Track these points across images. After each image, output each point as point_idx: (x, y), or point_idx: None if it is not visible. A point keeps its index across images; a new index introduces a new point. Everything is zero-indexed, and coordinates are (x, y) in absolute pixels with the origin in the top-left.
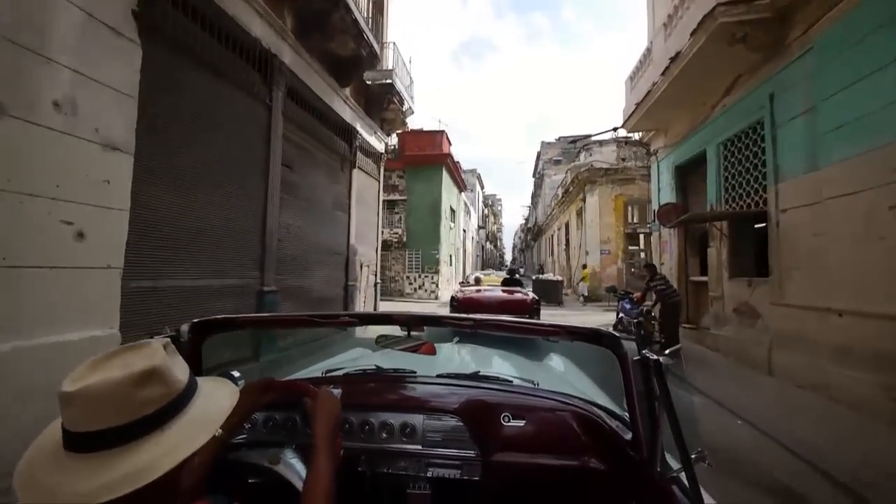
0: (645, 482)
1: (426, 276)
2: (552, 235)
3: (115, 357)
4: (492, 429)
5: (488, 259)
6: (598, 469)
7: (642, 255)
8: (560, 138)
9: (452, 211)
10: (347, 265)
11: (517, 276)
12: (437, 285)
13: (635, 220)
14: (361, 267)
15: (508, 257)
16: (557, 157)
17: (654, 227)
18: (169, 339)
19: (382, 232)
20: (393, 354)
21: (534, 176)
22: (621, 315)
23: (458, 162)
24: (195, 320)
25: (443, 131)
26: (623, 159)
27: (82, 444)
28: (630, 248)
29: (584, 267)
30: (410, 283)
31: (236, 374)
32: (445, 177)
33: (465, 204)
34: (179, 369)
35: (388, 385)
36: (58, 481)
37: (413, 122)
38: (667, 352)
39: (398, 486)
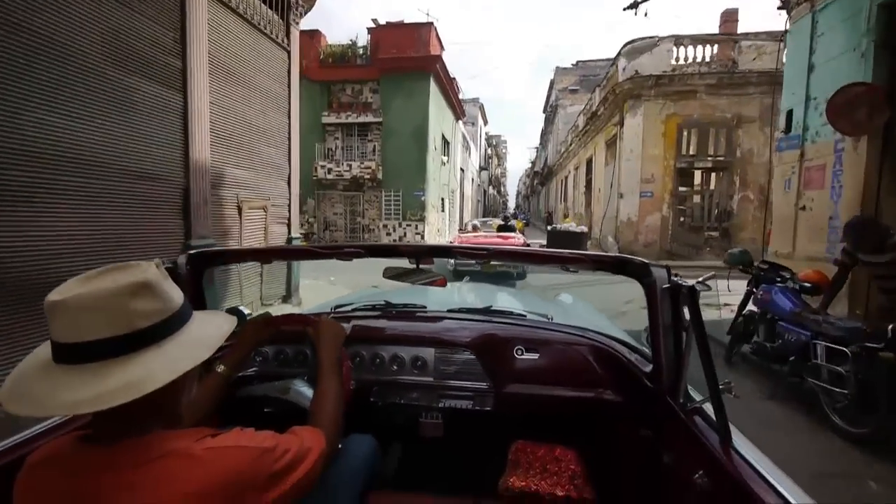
0: (663, 413)
1: (408, 225)
2: (566, 177)
3: (104, 273)
4: (504, 362)
5: (491, 205)
6: (612, 400)
7: (696, 199)
8: (579, 62)
9: (445, 142)
10: (188, 205)
11: (510, 223)
12: (422, 237)
13: (691, 151)
14: (241, 210)
15: (512, 204)
16: (574, 87)
17: (786, 141)
18: (160, 261)
19: (333, 157)
20: (403, 291)
21: (544, 111)
22: (761, 313)
23: (454, 78)
24: (191, 251)
25: (430, 24)
26: (683, 62)
27: (71, 355)
28: (681, 189)
29: (566, 217)
30: (388, 234)
31: (246, 310)
32: (435, 91)
33: (464, 137)
34: (174, 290)
35: (398, 319)
36: (45, 392)
37: (391, 12)
38: (700, 278)
39: (411, 416)
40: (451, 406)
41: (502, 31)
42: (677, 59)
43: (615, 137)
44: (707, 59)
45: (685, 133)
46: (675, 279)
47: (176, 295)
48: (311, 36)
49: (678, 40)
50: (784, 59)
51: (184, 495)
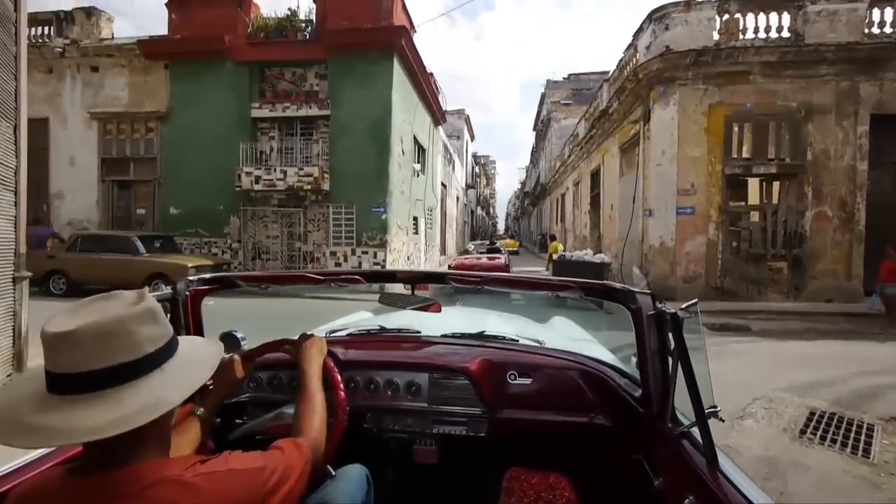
0: (654, 437)
1: (364, 253)
2: (562, 195)
3: (90, 305)
4: (498, 387)
5: (479, 227)
6: (604, 425)
7: (754, 217)
8: (571, 76)
9: (420, 147)
10: None
11: (496, 245)
12: (382, 267)
13: (745, 154)
14: None
15: (501, 226)
16: (567, 101)
17: None
18: (147, 289)
19: (268, 161)
20: (397, 315)
21: (535, 128)
22: None
23: (431, 74)
24: (190, 277)
25: None
26: (730, 33)
27: (80, 384)
28: (733, 204)
29: (553, 239)
30: (338, 265)
31: (239, 334)
32: (401, 77)
33: (447, 147)
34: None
35: (392, 344)
36: (59, 421)
37: None
38: (684, 305)
39: (405, 443)
40: (446, 432)
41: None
42: (723, 31)
43: (636, 138)
44: (763, 29)
45: (736, 128)
46: (660, 306)
47: (168, 320)
48: (239, 3)
49: (723, 5)
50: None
51: None
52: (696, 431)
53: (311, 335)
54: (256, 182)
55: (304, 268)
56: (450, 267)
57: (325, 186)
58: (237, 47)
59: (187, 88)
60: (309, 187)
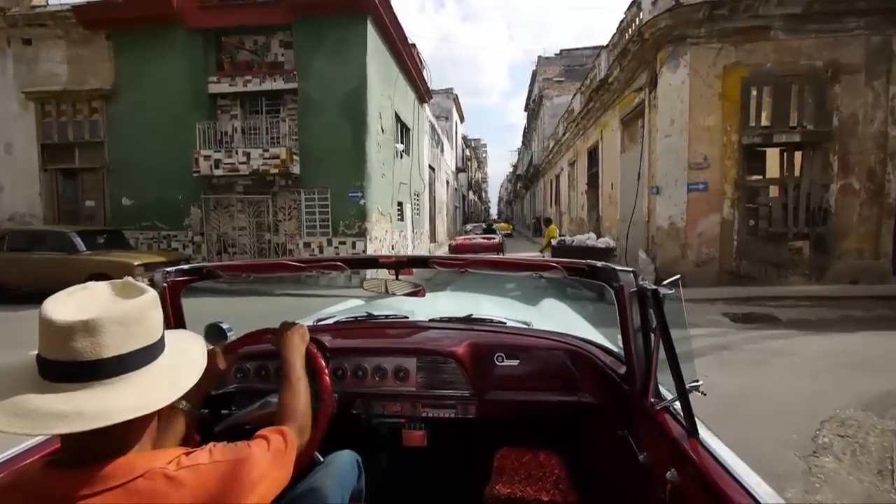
0: (637, 413)
1: (342, 243)
2: (557, 176)
3: (85, 291)
4: (486, 369)
5: (472, 212)
6: (591, 403)
7: (773, 192)
8: (563, 51)
9: (403, 126)
10: None
11: (492, 227)
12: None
13: (764, 121)
14: None
15: (494, 211)
16: (559, 78)
17: None
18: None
19: (231, 143)
20: (384, 302)
21: (526, 108)
22: None
23: (413, 45)
24: (167, 269)
25: None
26: None
27: (110, 368)
28: (750, 179)
29: (549, 222)
30: (312, 252)
31: (225, 325)
32: (377, 44)
33: (434, 128)
34: None
35: (379, 331)
36: (92, 403)
37: None
38: (665, 282)
39: (394, 427)
40: (435, 416)
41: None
42: None
43: (640, 109)
44: None
45: (754, 92)
46: (642, 283)
47: None
48: None
49: None
50: None
51: None
52: (678, 406)
53: (293, 323)
54: (216, 166)
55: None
56: (450, 245)
57: (295, 170)
58: (188, 11)
59: (133, 61)
60: (276, 171)
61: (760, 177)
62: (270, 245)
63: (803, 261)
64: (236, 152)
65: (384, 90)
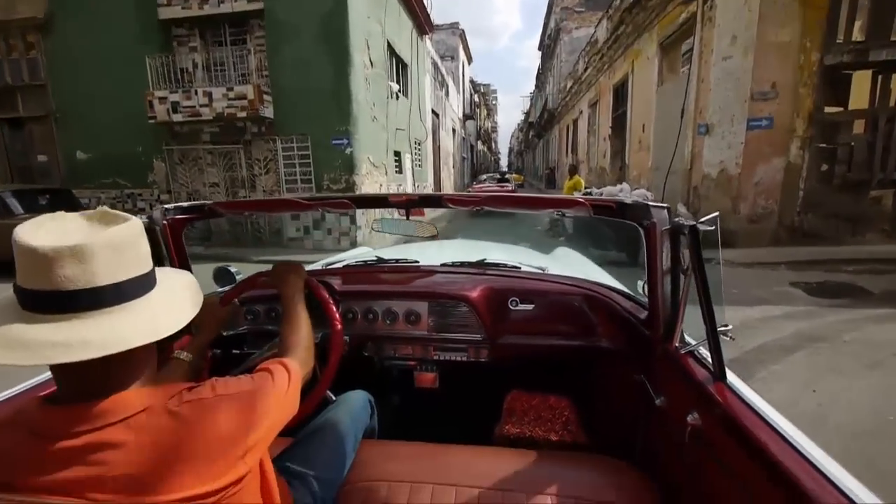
0: (658, 357)
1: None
2: (574, 120)
3: (60, 219)
4: (499, 313)
5: (481, 164)
6: (607, 348)
7: (857, 127)
8: None
9: (399, 62)
10: None
11: (506, 176)
12: (352, 220)
13: (855, 35)
14: None
15: (504, 163)
16: (580, 8)
17: None
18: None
19: (192, 82)
20: (395, 248)
21: (540, 47)
22: None
23: None
24: (167, 206)
25: None
26: None
27: (105, 296)
28: (828, 112)
29: (574, 171)
30: (295, 216)
31: (233, 268)
32: None
33: (436, 66)
34: None
35: (390, 275)
36: (94, 331)
37: None
38: (704, 219)
39: (406, 369)
40: (447, 358)
41: None
42: None
43: (687, 26)
44: None
45: (840, 2)
46: (677, 220)
47: None
48: None
49: None
50: None
51: (172, 450)
52: (703, 351)
53: (288, 262)
54: (175, 110)
55: (254, 225)
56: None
57: (268, 113)
58: None
59: None
60: (245, 115)
61: (841, 109)
62: (235, 200)
63: (883, 214)
64: (196, 93)
65: (372, 13)
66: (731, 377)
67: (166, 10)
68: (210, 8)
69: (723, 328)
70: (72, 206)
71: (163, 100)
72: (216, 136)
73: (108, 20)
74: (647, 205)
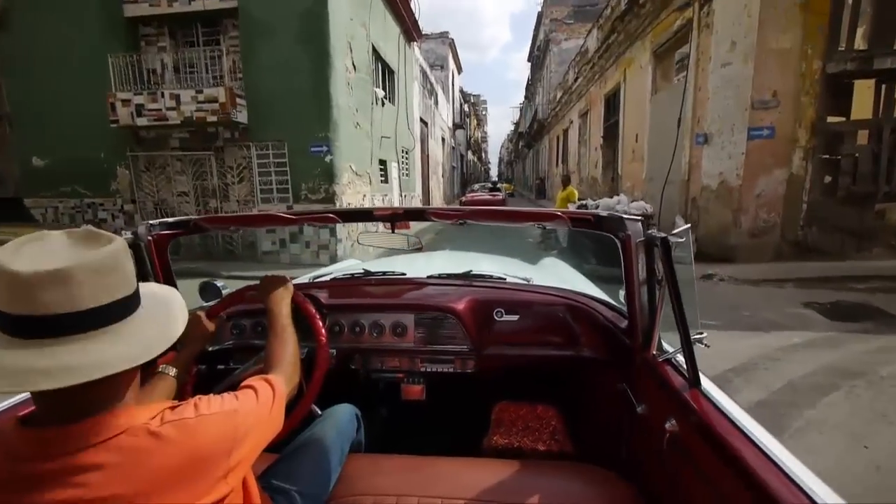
0: (638, 365)
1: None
2: (565, 130)
3: (40, 241)
4: (485, 324)
5: (471, 174)
6: (591, 357)
7: (861, 138)
8: None
9: (385, 67)
10: None
11: (497, 185)
12: (332, 233)
13: (857, 44)
14: None
15: (494, 172)
16: (569, 19)
17: None
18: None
19: (160, 84)
20: (382, 260)
21: (530, 58)
22: None
23: None
24: (152, 222)
25: None
26: None
27: (88, 320)
28: (831, 121)
29: (567, 181)
30: (271, 230)
31: (219, 283)
32: None
33: (425, 74)
34: None
35: (377, 287)
36: (77, 357)
37: None
38: (676, 230)
39: (393, 382)
40: (434, 370)
41: None
42: None
43: (682, 33)
44: None
45: (850, 0)
46: (650, 232)
47: None
48: None
49: None
50: None
51: (153, 471)
52: (680, 358)
53: (275, 276)
54: (139, 114)
55: (225, 238)
56: (460, 201)
57: (241, 117)
58: None
59: None
60: (216, 119)
61: (844, 119)
62: (219, 214)
63: (889, 228)
64: (162, 95)
65: (356, 14)
66: (706, 383)
67: (132, 7)
68: (180, 6)
69: (697, 335)
70: (21, 217)
71: (126, 102)
72: (186, 142)
73: (69, 16)
74: (623, 217)
